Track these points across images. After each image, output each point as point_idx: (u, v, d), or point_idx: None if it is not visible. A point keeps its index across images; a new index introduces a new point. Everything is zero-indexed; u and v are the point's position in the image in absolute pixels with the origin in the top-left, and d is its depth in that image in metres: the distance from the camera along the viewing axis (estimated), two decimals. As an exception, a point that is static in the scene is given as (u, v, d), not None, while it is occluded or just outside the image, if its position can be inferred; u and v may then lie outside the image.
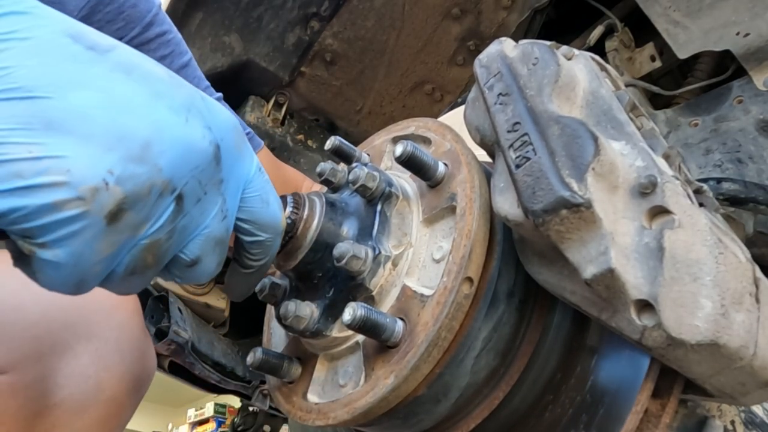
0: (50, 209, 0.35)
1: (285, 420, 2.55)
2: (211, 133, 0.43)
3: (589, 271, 0.45)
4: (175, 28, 0.97)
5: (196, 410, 7.97)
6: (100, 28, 0.85)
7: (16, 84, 0.36)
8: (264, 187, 0.50)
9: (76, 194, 0.36)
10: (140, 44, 0.90)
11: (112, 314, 0.83)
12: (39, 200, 0.35)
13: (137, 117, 0.39)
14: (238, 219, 0.49)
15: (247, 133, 1.05)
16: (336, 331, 0.57)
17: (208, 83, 1.02)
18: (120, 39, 0.85)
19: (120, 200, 0.38)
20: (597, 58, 0.58)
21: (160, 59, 0.91)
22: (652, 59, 1.41)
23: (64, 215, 0.36)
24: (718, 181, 1.01)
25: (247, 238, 0.51)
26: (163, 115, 0.41)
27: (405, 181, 0.62)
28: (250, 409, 2.56)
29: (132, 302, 0.89)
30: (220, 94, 1.04)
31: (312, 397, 0.59)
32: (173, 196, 0.41)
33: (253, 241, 0.51)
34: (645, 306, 0.44)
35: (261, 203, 0.50)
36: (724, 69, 1.26)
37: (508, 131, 0.51)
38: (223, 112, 0.47)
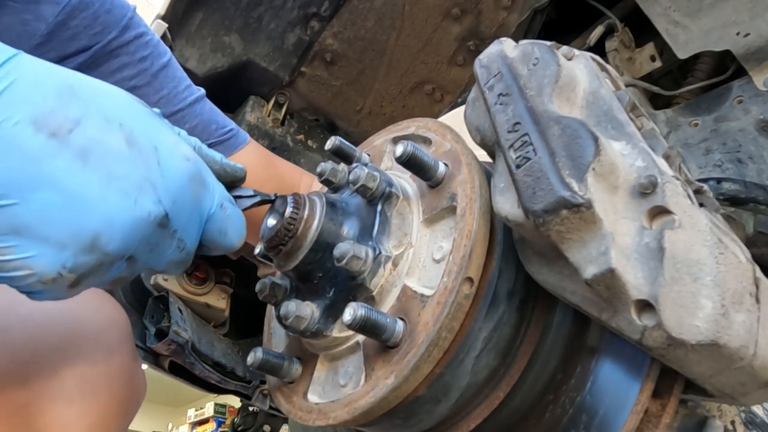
0: (25, 287, 0.48)
1: (285, 420, 2.55)
2: (160, 206, 0.50)
3: (589, 271, 0.45)
4: (151, 30, 0.99)
5: (196, 410, 7.97)
6: (79, 33, 0.89)
7: None
8: (223, 221, 0.57)
9: (40, 280, 0.47)
10: (120, 46, 0.93)
11: (101, 338, 0.82)
12: (16, 283, 0.47)
13: (88, 213, 0.47)
14: (200, 239, 0.57)
15: (230, 130, 1.05)
16: (336, 331, 0.57)
17: (189, 82, 1.03)
18: (99, 42, 0.90)
19: (75, 280, 0.48)
20: (597, 58, 0.58)
21: (140, 60, 0.95)
22: (652, 59, 1.41)
23: (35, 289, 0.48)
24: (718, 181, 1.01)
25: (206, 250, 0.59)
26: (113, 202, 0.48)
27: (405, 181, 0.62)
28: (250, 409, 2.56)
29: (122, 325, 0.87)
30: (202, 92, 1.04)
31: (312, 397, 0.59)
32: (123, 260, 0.50)
33: (210, 251, 0.60)
34: (645, 306, 0.44)
35: (219, 234, 0.57)
36: (724, 69, 1.26)
37: (509, 131, 0.51)
38: (177, 168, 0.52)
